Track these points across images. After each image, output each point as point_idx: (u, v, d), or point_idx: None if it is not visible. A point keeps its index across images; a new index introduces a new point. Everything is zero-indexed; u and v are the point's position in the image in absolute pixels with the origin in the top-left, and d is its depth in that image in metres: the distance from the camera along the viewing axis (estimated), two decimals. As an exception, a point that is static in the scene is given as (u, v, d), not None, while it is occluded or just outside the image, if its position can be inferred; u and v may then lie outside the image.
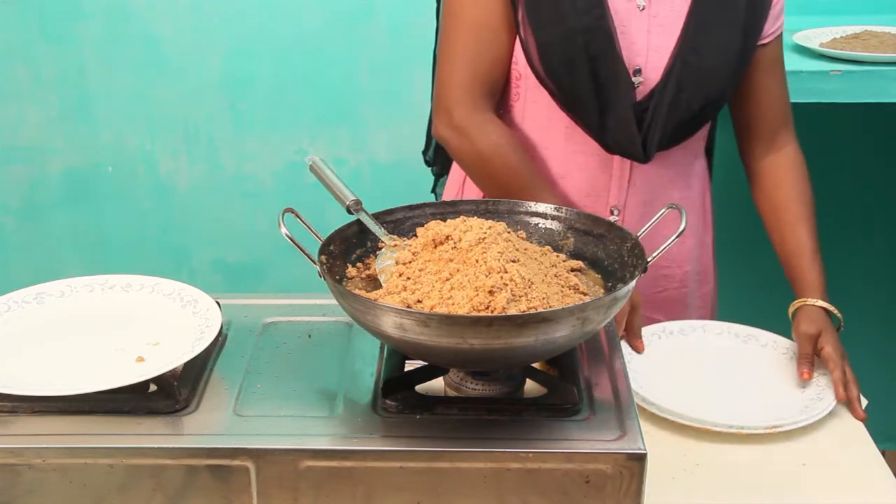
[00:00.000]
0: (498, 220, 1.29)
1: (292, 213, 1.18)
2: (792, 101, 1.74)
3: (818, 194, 2.54)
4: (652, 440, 1.14)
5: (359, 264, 1.24)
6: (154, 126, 2.55)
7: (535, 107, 1.55)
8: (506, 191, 1.49)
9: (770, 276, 2.60)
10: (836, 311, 1.54)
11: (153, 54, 2.48)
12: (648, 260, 1.15)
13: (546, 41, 1.47)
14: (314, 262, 1.14)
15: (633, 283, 1.11)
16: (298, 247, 1.12)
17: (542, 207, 1.31)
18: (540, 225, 1.30)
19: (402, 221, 1.30)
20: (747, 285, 2.57)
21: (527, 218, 1.31)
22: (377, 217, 1.29)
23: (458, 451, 1.04)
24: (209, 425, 1.09)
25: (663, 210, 1.27)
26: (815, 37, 2.06)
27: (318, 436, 1.07)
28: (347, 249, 1.24)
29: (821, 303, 1.56)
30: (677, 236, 1.14)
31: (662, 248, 1.15)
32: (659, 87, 1.50)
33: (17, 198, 2.62)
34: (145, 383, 1.11)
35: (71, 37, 2.47)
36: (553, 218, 1.30)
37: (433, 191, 1.83)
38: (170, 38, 2.47)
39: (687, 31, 1.49)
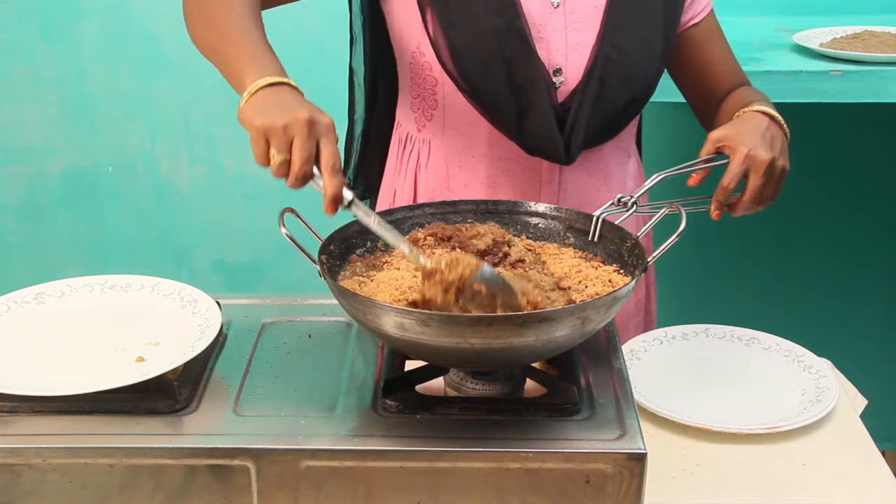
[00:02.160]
0: (497, 220, 1.30)
1: (292, 213, 1.18)
2: (792, 101, 1.74)
3: (818, 194, 2.56)
4: (652, 440, 1.14)
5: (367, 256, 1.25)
6: (154, 126, 2.54)
7: (455, 114, 1.50)
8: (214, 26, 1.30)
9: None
10: (778, 115, 1.41)
11: (153, 54, 2.48)
12: (649, 260, 1.15)
13: (458, 42, 1.43)
14: (314, 262, 1.14)
15: (633, 284, 1.11)
16: (299, 247, 1.12)
17: (541, 207, 1.31)
18: (540, 224, 1.30)
19: (402, 221, 1.30)
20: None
21: (526, 217, 1.31)
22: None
23: (458, 451, 1.04)
24: (209, 425, 1.09)
25: (664, 210, 1.27)
26: (815, 37, 2.06)
27: (318, 436, 1.07)
28: (347, 249, 1.24)
29: (758, 106, 1.41)
30: (677, 236, 1.14)
31: (662, 248, 1.15)
32: (581, 86, 1.46)
33: (17, 198, 2.62)
34: (145, 383, 1.11)
35: (71, 37, 2.46)
36: (553, 217, 1.30)
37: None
38: (170, 38, 2.46)
39: (606, 26, 1.46)
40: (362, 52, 1.63)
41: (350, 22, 1.63)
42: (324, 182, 1.08)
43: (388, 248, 1.27)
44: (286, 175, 1.09)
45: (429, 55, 1.47)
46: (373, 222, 1.12)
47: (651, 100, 1.59)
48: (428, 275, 1.09)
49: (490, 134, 1.50)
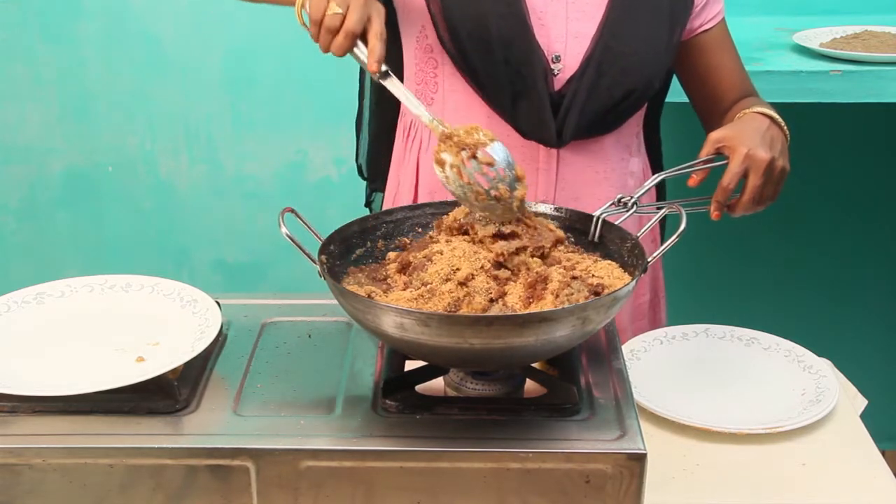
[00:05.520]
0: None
1: (292, 212, 1.18)
2: (792, 101, 1.74)
3: (819, 194, 2.56)
4: (652, 440, 1.14)
5: (363, 266, 1.24)
6: (154, 126, 2.54)
7: (454, 96, 1.52)
8: None
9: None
10: (779, 118, 1.43)
11: (153, 54, 2.48)
12: (649, 260, 1.15)
13: (457, 21, 1.45)
14: (314, 262, 1.14)
15: (633, 284, 1.11)
16: (299, 247, 1.12)
17: (541, 207, 1.31)
18: (540, 225, 1.30)
19: (402, 221, 1.30)
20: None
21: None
22: (377, 217, 1.29)
23: (458, 451, 1.04)
24: (209, 425, 1.09)
25: (664, 210, 1.27)
26: (815, 37, 2.06)
27: (318, 436, 1.07)
28: (347, 249, 1.24)
29: (759, 108, 1.43)
30: (678, 237, 1.14)
31: (662, 248, 1.15)
32: (578, 74, 1.47)
33: (17, 198, 2.62)
34: (145, 383, 1.11)
35: (71, 37, 2.46)
36: (552, 218, 1.30)
37: (367, 205, 1.79)
38: (170, 37, 2.46)
39: (609, 17, 1.47)
40: None
41: None
42: (370, 45, 1.23)
43: (386, 251, 1.27)
44: (336, 31, 1.22)
45: (431, 37, 1.49)
46: (403, 96, 1.24)
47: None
48: (445, 138, 1.21)
49: (488, 118, 1.51)
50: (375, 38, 1.22)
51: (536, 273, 1.13)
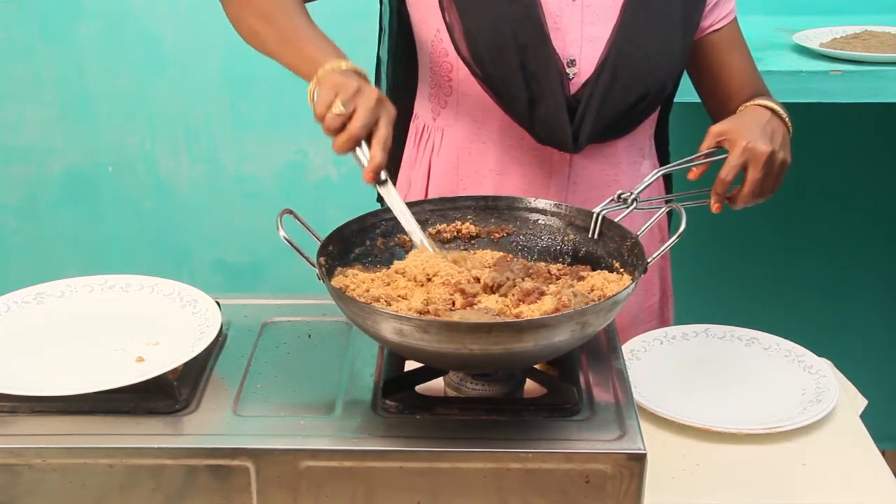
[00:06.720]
0: (497, 216, 1.30)
1: (291, 214, 1.17)
2: (792, 101, 1.74)
3: (819, 194, 2.56)
4: (652, 440, 1.14)
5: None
6: (154, 126, 2.54)
7: (468, 100, 1.52)
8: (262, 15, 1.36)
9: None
10: (780, 110, 1.43)
11: (153, 54, 2.48)
12: (649, 260, 1.15)
13: (473, 27, 1.45)
14: (313, 265, 1.14)
15: (633, 286, 1.11)
16: (297, 250, 1.12)
17: (541, 203, 1.30)
18: (539, 221, 1.30)
19: (402, 220, 1.30)
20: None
21: (526, 214, 1.31)
22: (376, 215, 1.29)
23: (458, 451, 1.04)
24: (209, 425, 1.09)
25: (663, 209, 1.27)
26: (815, 37, 2.06)
27: (318, 436, 1.07)
28: (346, 250, 1.23)
29: (761, 101, 1.44)
30: (678, 237, 1.14)
31: (662, 248, 1.15)
32: (593, 78, 1.47)
33: (17, 198, 2.62)
34: (145, 383, 1.11)
35: (71, 37, 2.46)
36: (553, 214, 1.30)
37: (379, 199, 1.80)
38: (170, 38, 2.46)
39: (623, 21, 1.47)
40: (388, 41, 1.64)
41: (380, 13, 1.64)
42: (372, 152, 1.17)
43: (385, 249, 1.27)
44: (338, 131, 1.16)
45: (446, 41, 1.49)
46: (397, 209, 1.21)
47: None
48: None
49: (501, 121, 1.51)
50: (378, 146, 1.17)
51: (533, 286, 1.14)
